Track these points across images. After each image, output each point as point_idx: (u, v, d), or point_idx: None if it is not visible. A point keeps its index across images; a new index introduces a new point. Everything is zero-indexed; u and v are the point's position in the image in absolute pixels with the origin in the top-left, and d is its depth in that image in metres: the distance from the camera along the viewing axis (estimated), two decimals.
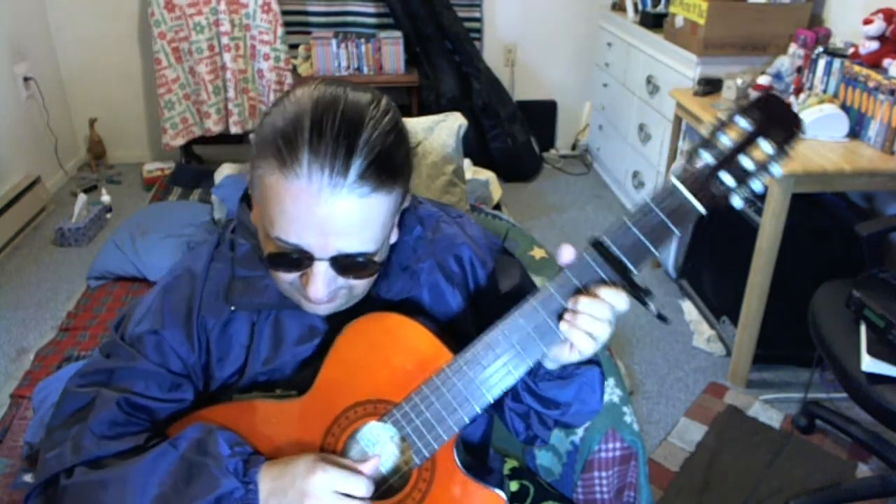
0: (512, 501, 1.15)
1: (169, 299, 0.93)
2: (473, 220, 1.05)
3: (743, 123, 0.76)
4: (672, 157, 2.90)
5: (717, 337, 2.59)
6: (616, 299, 0.79)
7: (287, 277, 0.84)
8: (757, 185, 0.77)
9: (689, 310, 2.77)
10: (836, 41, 2.54)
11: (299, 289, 0.85)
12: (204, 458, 0.83)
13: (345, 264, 0.82)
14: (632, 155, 3.50)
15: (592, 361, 0.92)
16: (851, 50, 2.34)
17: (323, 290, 0.82)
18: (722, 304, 2.58)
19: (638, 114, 3.38)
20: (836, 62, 2.34)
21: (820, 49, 2.42)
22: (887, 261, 2.39)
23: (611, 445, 1.43)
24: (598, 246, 0.79)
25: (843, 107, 2.25)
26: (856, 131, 2.23)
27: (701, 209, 0.77)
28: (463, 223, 1.03)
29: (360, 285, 0.87)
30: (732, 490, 1.95)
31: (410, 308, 0.95)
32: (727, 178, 0.76)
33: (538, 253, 2.22)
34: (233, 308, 0.92)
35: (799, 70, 2.50)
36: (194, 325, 0.92)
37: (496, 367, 0.83)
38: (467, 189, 2.54)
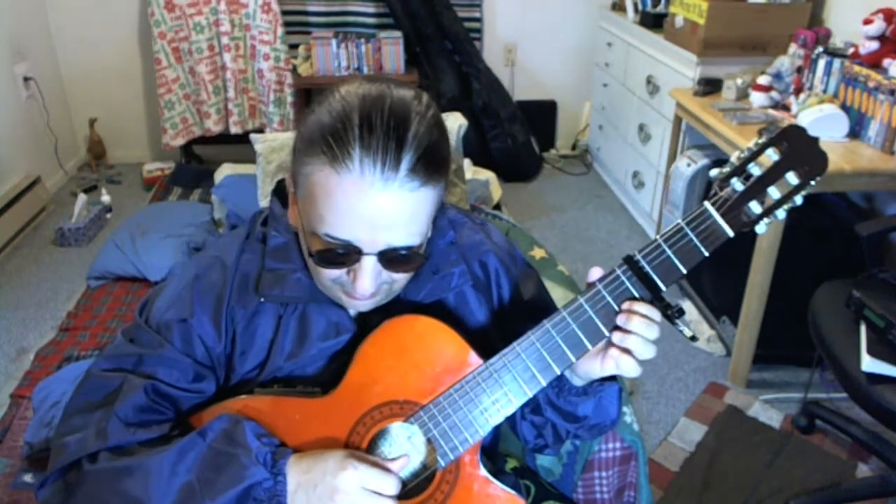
0: None
1: (199, 287, 0.92)
2: (491, 225, 1.06)
3: (772, 156, 0.80)
4: (672, 157, 2.90)
5: (717, 337, 2.59)
6: (654, 316, 0.82)
7: (332, 274, 0.84)
8: (781, 214, 0.82)
9: (689, 310, 2.77)
10: (836, 41, 2.54)
11: (344, 284, 0.85)
12: (233, 448, 0.83)
13: (392, 258, 0.83)
14: (632, 155, 3.50)
15: (613, 378, 0.93)
16: (851, 50, 2.34)
17: (371, 285, 0.83)
18: (722, 304, 2.58)
19: (638, 114, 3.38)
20: (836, 62, 2.34)
21: (820, 49, 2.42)
22: (887, 261, 2.39)
23: (611, 445, 1.43)
24: (631, 263, 0.82)
25: (843, 107, 2.25)
26: (856, 131, 2.23)
27: (730, 233, 0.81)
28: (488, 230, 1.03)
29: (402, 279, 0.88)
30: (732, 490, 1.95)
31: (438, 312, 0.95)
32: (755, 207, 0.81)
33: (538, 253, 2.22)
34: (262, 300, 0.92)
35: (799, 70, 2.50)
36: (223, 315, 0.92)
37: (525, 375, 0.85)
38: (467, 189, 2.54)
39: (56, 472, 0.86)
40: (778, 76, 2.52)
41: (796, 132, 0.81)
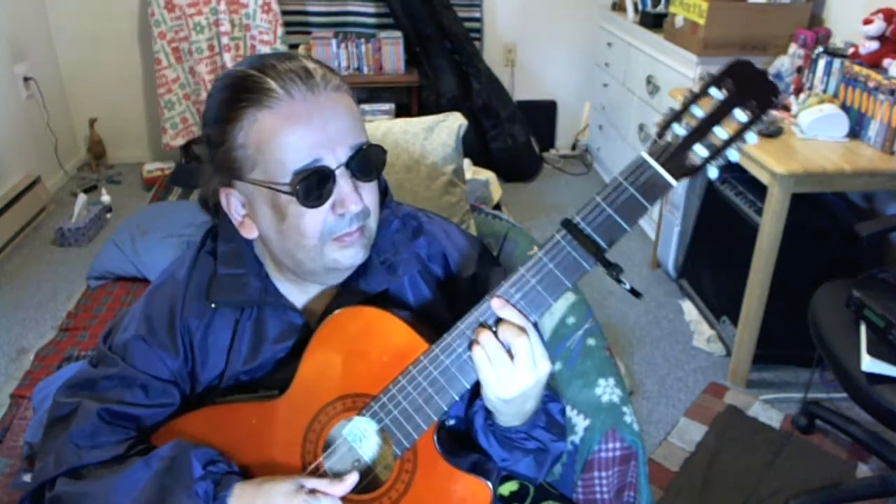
0: (512, 501, 1.15)
1: (153, 305, 0.95)
2: (452, 222, 1.07)
3: (716, 94, 0.76)
4: None
5: (717, 337, 2.59)
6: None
7: (320, 217, 0.84)
8: (733, 155, 0.77)
9: (689, 310, 2.77)
10: (836, 41, 2.54)
11: (333, 228, 0.85)
12: (174, 480, 0.83)
13: (358, 163, 0.84)
14: (632, 155, 3.46)
15: (553, 440, 0.95)
16: (851, 50, 2.34)
17: (356, 197, 0.84)
18: (722, 304, 2.57)
19: (638, 114, 3.38)
20: (836, 62, 2.34)
21: (820, 49, 2.42)
22: (887, 261, 2.39)
23: (611, 445, 1.43)
24: (569, 226, 0.79)
25: (843, 107, 2.25)
26: (856, 131, 2.23)
27: (672, 182, 0.77)
28: (441, 222, 1.04)
29: (373, 202, 0.88)
30: (732, 490, 1.95)
31: (390, 300, 0.95)
32: (701, 150, 0.77)
33: None
34: (213, 305, 0.93)
35: (799, 70, 2.50)
36: (178, 329, 0.93)
37: (469, 354, 0.83)
38: (467, 189, 2.54)
39: (27, 498, 0.90)
40: (778, 76, 2.52)
41: (741, 66, 0.76)
